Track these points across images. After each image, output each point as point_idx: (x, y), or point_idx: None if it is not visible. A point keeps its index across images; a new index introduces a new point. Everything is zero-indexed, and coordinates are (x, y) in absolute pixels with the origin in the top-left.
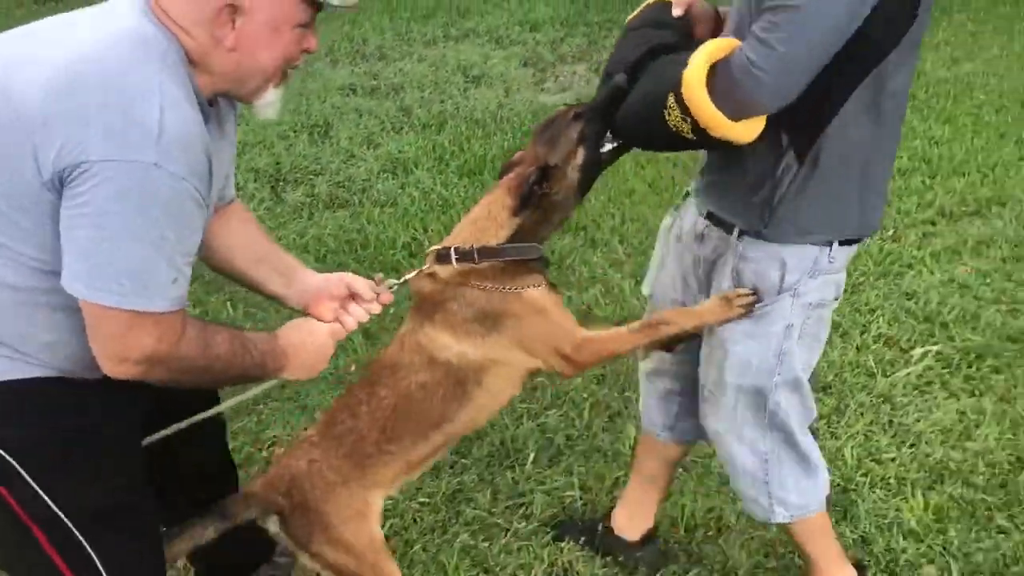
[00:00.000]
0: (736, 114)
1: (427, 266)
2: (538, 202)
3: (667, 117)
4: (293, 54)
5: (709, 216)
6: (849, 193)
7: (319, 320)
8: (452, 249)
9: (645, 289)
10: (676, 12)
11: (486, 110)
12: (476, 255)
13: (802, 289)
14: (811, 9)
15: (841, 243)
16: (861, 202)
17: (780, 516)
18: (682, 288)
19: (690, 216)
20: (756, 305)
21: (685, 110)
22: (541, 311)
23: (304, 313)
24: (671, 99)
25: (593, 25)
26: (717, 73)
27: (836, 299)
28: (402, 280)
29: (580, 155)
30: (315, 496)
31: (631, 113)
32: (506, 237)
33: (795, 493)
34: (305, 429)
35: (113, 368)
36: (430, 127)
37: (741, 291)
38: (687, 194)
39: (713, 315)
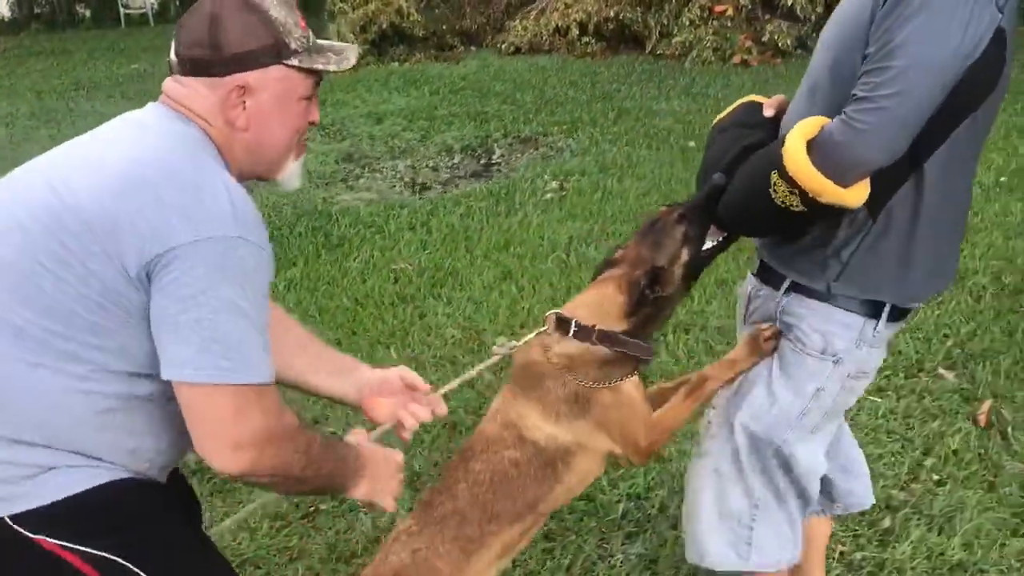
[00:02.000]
0: (842, 176)
1: (547, 328)
2: (648, 302)
3: (774, 196)
4: (302, 126)
5: (761, 268)
6: (916, 254)
7: (373, 420)
8: (573, 322)
9: None
10: (768, 112)
11: (268, 206)
12: (595, 336)
13: (846, 357)
14: (916, 64)
15: (889, 318)
16: (924, 265)
17: (754, 563)
18: None
19: (748, 278)
20: (784, 342)
21: (791, 183)
22: (630, 403)
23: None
24: (775, 176)
25: (436, 119)
26: (816, 145)
27: (868, 377)
28: (522, 342)
29: (685, 254)
30: None
31: (734, 203)
32: (617, 329)
33: (775, 544)
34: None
35: (229, 459)
36: None
37: (762, 328)
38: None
39: (746, 359)
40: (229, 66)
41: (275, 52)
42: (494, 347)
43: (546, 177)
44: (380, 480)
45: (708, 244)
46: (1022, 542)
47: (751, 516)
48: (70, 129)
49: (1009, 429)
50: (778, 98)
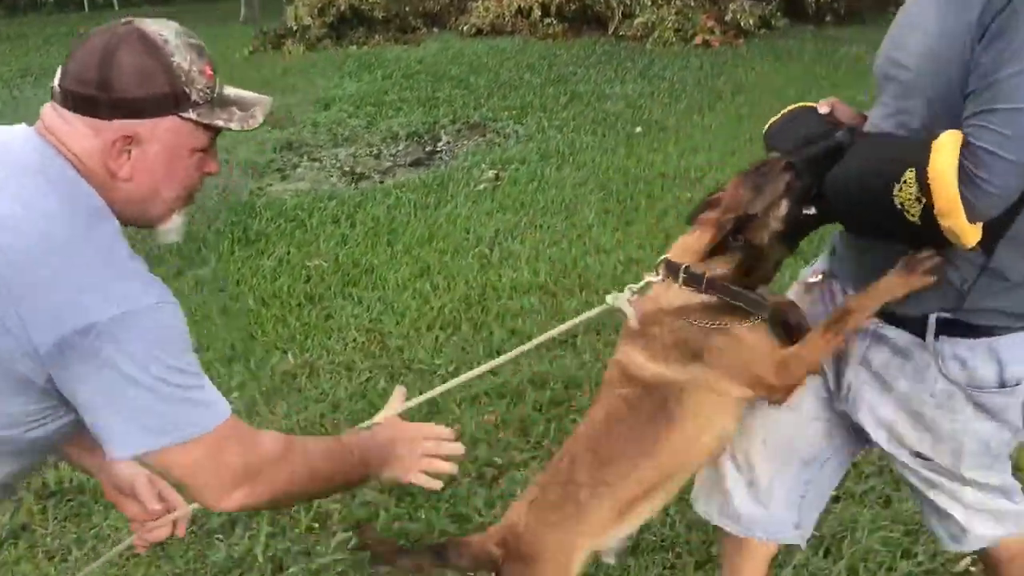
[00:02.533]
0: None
1: (660, 276)
2: (735, 249)
3: (897, 191)
4: (193, 181)
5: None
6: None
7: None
8: (683, 269)
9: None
10: (823, 109)
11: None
12: (705, 284)
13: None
14: None
15: None
16: None
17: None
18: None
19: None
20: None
21: (924, 189)
22: (746, 344)
23: None
24: (910, 174)
25: (384, 105)
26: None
27: None
28: (644, 283)
29: (783, 207)
30: (529, 542)
31: (850, 176)
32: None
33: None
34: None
35: (226, 502)
36: None
37: (922, 255)
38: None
39: (899, 286)
40: (116, 110)
41: (171, 102)
42: (608, 297)
43: (484, 166)
44: (404, 459)
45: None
46: (910, 564)
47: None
48: (12, 117)
49: None
50: (832, 100)
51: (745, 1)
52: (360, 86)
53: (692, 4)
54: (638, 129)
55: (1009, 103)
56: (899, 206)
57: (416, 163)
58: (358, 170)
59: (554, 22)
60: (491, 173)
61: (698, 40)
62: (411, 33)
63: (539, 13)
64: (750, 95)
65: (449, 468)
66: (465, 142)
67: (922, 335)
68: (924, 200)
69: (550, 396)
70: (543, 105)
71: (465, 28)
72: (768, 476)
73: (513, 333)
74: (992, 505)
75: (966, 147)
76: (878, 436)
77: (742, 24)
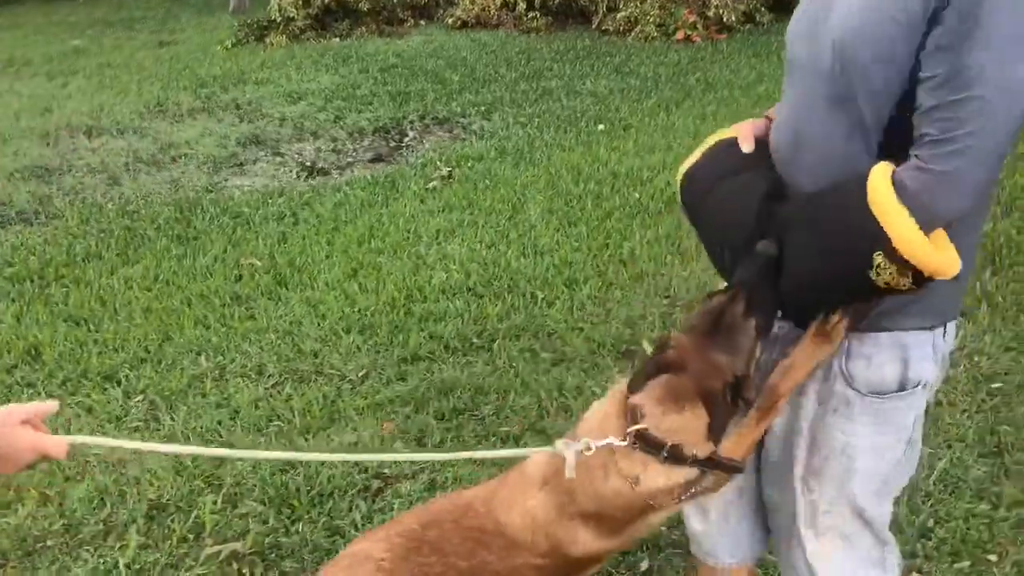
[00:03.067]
0: (927, 230)
1: (627, 456)
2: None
3: (876, 277)
4: None
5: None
6: (968, 260)
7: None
8: (667, 446)
9: None
10: (746, 148)
11: (141, 196)
12: (690, 461)
13: (928, 376)
14: (998, 92)
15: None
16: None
17: None
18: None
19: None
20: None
21: (904, 263)
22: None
23: None
24: (879, 259)
25: (356, 99)
26: (903, 200)
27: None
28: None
29: (758, 352)
30: None
31: (809, 284)
32: (706, 453)
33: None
34: None
35: None
36: (59, 217)
37: (832, 320)
38: None
39: (816, 355)
40: None
41: None
42: (558, 443)
43: (439, 163)
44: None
45: None
46: None
47: (883, 555)
48: None
49: None
50: (746, 127)
51: None
52: (335, 79)
53: None
54: (600, 127)
55: (971, 90)
56: (885, 287)
57: (377, 159)
58: (318, 165)
59: (538, 16)
60: (445, 170)
61: (679, 35)
62: (397, 25)
63: (524, 6)
64: (720, 92)
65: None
66: (430, 137)
67: None
68: (910, 271)
69: (454, 404)
70: (513, 100)
71: (450, 21)
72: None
73: (431, 337)
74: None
75: (928, 143)
76: (770, 446)
77: (724, 19)
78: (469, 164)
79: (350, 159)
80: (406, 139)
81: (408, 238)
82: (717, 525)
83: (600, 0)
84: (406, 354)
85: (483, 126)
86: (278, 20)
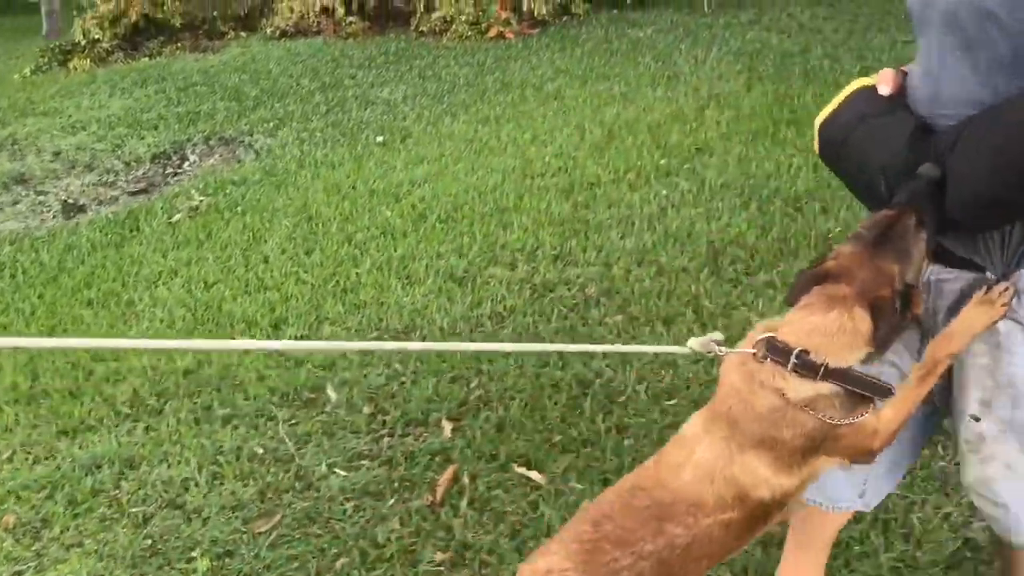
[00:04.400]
0: None
1: (766, 369)
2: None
3: None
4: None
5: (953, 260)
6: None
7: None
8: (796, 352)
9: None
10: (885, 92)
11: None
12: (823, 372)
13: None
14: None
15: None
16: None
17: None
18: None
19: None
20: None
21: None
22: (865, 431)
23: None
24: None
25: (140, 124)
26: None
27: None
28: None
29: (927, 266)
30: None
31: (980, 198)
32: (854, 361)
33: None
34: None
35: None
36: None
37: (997, 288)
38: None
39: (980, 323)
40: None
41: None
42: (692, 340)
43: (194, 192)
44: None
45: None
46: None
47: None
48: None
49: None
50: (887, 73)
51: None
52: (126, 104)
53: None
54: (380, 138)
55: None
56: None
57: (142, 190)
58: (80, 202)
59: (356, 20)
60: (197, 200)
61: (492, 32)
62: (217, 39)
63: (342, 11)
64: (513, 93)
65: None
66: (210, 161)
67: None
68: None
69: (93, 485)
70: (304, 114)
71: (269, 31)
72: None
73: (105, 401)
74: None
75: None
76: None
77: (536, 14)
78: (227, 190)
79: (115, 192)
80: (186, 164)
81: (125, 284)
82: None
83: (417, 1)
84: (71, 425)
85: (266, 144)
86: (82, 43)
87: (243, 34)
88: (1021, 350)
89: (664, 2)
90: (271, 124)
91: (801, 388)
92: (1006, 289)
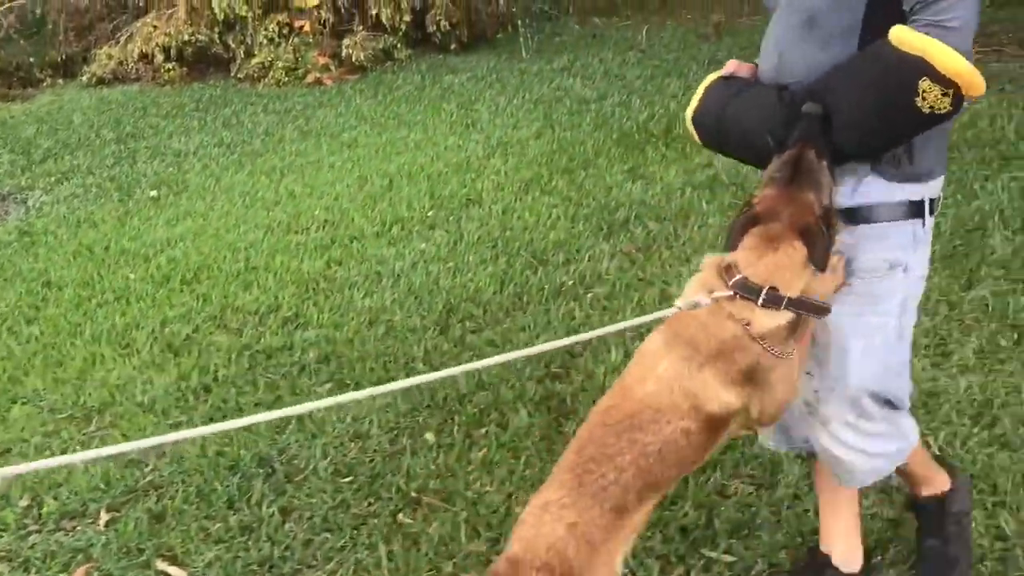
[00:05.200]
0: None
1: (735, 304)
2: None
3: (921, 104)
4: None
5: None
6: (940, 155)
7: None
8: (765, 289)
9: None
10: (737, 71)
11: None
12: (786, 303)
13: (910, 263)
14: None
15: (930, 213)
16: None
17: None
18: None
19: None
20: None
21: (948, 84)
22: (789, 378)
23: None
24: (925, 84)
25: None
26: None
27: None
28: (714, 296)
29: (835, 187)
30: (579, 564)
31: (860, 124)
32: (800, 290)
33: (909, 437)
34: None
35: None
36: None
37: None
38: None
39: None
40: None
41: None
42: (677, 301)
43: None
44: None
45: None
46: None
47: (895, 447)
48: None
49: None
50: (734, 62)
51: (367, 34)
52: None
53: (310, 41)
54: (153, 193)
55: None
56: (928, 111)
57: None
58: None
59: (175, 67)
60: None
61: (310, 79)
62: (33, 87)
63: (162, 58)
64: (309, 142)
65: None
66: None
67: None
68: (951, 91)
69: None
70: (89, 168)
71: (86, 78)
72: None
73: None
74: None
75: (924, 7)
76: None
77: (355, 60)
78: None
79: None
80: None
81: None
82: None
83: (236, 47)
84: None
85: (40, 201)
86: None
87: (60, 81)
88: (849, 299)
89: (488, 47)
90: (53, 179)
91: (763, 321)
92: (839, 260)
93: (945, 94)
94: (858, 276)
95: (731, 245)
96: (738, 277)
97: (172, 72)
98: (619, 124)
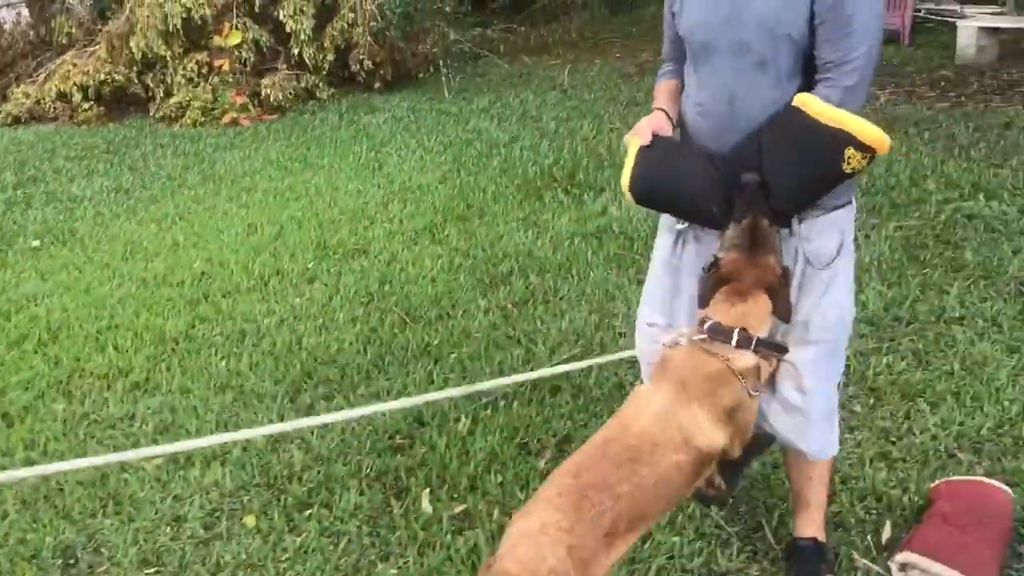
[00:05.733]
0: None
1: (705, 335)
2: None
3: (846, 167)
4: None
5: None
6: None
7: None
8: (737, 331)
9: (656, 319)
10: (661, 132)
11: None
12: (754, 343)
13: (849, 243)
14: (871, 20)
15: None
16: None
17: (836, 445)
18: None
19: (711, 237)
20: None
21: (868, 150)
22: (755, 414)
23: None
24: (850, 151)
25: None
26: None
27: None
28: (688, 336)
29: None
30: None
31: (798, 188)
32: (767, 331)
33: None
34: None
35: None
36: None
37: None
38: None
39: None
40: None
41: None
42: (666, 339)
43: None
44: None
45: None
46: None
47: (832, 409)
48: None
49: None
50: (644, 124)
51: (288, 73)
52: None
53: (229, 80)
54: (36, 242)
55: (853, 24)
56: (850, 172)
57: None
58: None
59: (94, 106)
60: None
61: (227, 119)
62: None
63: (80, 97)
64: (208, 187)
65: None
66: None
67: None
68: (870, 155)
69: None
70: None
71: (1, 117)
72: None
73: None
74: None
75: (833, 67)
76: None
77: (273, 100)
78: None
79: None
80: None
81: None
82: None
83: (155, 86)
84: None
85: None
86: None
87: None
88: (821, 276)
89: (413, 87)
90: None
91: (741, 359)
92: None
93: (865, 157)
94: (819, 263)
95: (703, 302)
96: (711, 322)
97: (89, 112)
98: (524, 169)
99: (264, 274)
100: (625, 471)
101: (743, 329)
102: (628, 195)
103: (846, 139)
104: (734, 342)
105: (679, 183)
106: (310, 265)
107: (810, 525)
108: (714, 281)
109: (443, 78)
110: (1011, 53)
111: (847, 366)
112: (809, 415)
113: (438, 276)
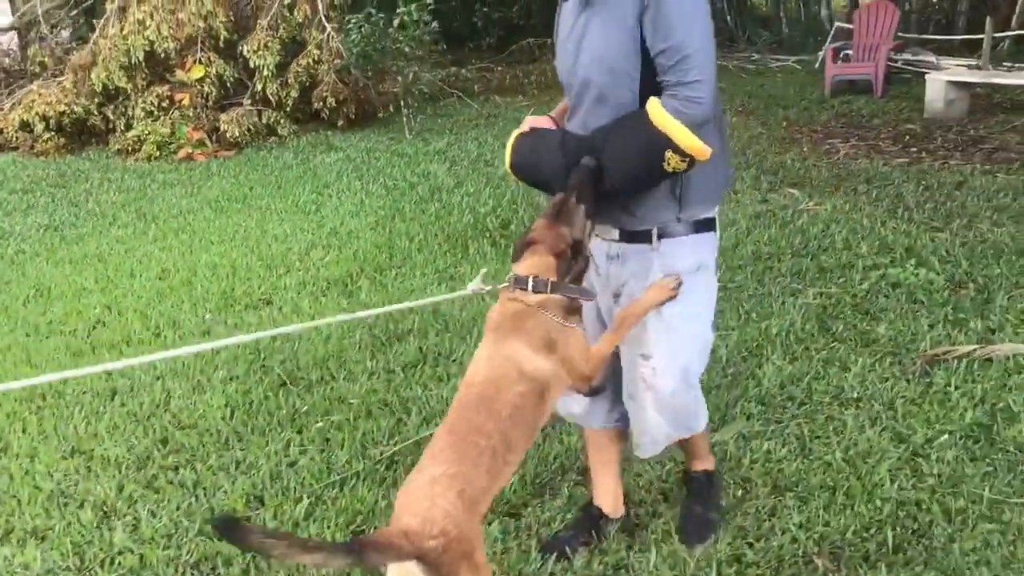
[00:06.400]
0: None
1: (510, 286)
2: (573, 266)
3: (667, 166)
4: None
5: (624, 236)
6: (720, 153)
7: None
8: (531, 278)
9: None
10: (537, 124)
11: None
12: (549, 287)
13: (709, 262)
14: (699, 46)
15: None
16: (724, 157)
17: (703, 423)
18: (607, 312)
19: (595, 249)
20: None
21: (684, 154)
22: (580, 343)
23: None
24: (669, 153)
25: None
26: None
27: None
28: (489, 288)
29: (589, 226)
30: (466, 524)
31: (625, 177)
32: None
33: (703, 416)
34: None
35: None
36: None
37: (670, 278)
38: None
39: (657, 299)
40: None
41: None
42: (470, 284)
43: None
44: None
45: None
46: None
47: (695, 399)
48: None
49: None
50: (529, 119)
51: (249, 109)
52: None
53: (189, 114)
54: None
55: (689, 48)
56: (671, 171)
57: None
58: None
59: (54, 136)
60: None
61: (182, 154)
62: None
63: (41, 127)
64: (138, 226)
65: None
66: None
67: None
68: (688, 159)
69: None
70: None
71: None
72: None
73: None
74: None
75: (676, 85)
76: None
77: (229, 136)
78: None
79: None
80: None
81: None
82: (591, 404)
83: (115, 118)
84: None
85: None
86: None
87: None
88: (666, 311)
89: (377, 125)
90: None
91: (534, 297)
92: (675, 279)
93: (683, 160)
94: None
95: (515, 259)
96: (510, 275)
97: (48, 143)
98: (460, 216)
99: (160, 324)
100: (485, 412)
101: (536, 276)
102: (511, 174)
103: (667, 143)
104: (530, 287)
105: (536, 161)
106: (207, 316)
107: (700, 463)
108: (523, 243)
109: (404, 119)
110: (983, 108)
111: (725, 451)
112: (678, 411)
113: (333, 333)
